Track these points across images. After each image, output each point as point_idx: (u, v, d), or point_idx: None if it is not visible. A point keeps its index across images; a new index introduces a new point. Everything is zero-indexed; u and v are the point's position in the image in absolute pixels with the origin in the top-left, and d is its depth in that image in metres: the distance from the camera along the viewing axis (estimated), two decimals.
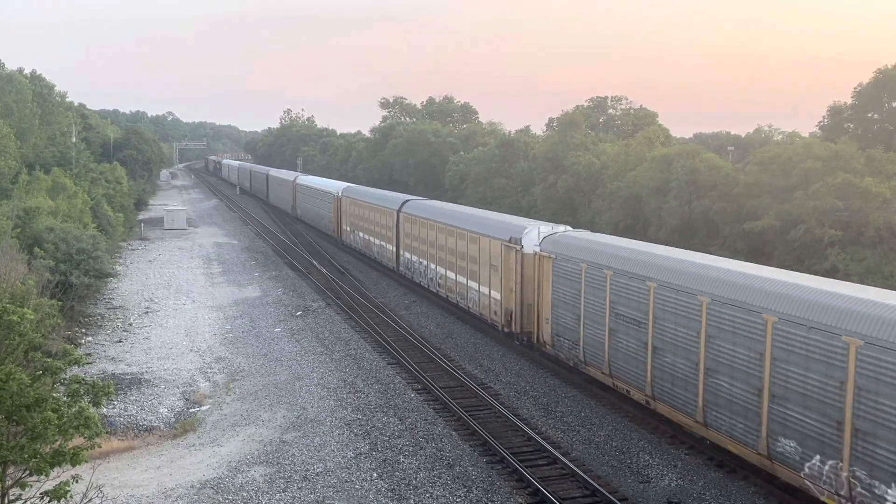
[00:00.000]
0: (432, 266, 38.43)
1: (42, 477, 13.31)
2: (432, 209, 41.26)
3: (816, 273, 29.79)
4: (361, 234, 51.74)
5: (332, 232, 61.67)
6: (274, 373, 28.38)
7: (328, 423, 22.87)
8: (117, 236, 56.92)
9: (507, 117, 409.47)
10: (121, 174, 76.62)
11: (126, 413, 24.83)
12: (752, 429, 17.58)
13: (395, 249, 44.39)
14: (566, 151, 58.19)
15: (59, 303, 28.14)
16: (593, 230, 34.96)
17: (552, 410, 23.88)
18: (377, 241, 48.05)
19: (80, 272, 35.70)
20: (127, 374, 28.78)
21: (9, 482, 13.50)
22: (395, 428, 22.45)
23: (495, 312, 31.10)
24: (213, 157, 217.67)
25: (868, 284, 25.17)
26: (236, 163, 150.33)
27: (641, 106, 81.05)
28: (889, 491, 14.20)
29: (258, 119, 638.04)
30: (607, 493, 17.89)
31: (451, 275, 35.84)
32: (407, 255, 42.55)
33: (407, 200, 44.70)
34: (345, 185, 63.27)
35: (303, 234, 67.40)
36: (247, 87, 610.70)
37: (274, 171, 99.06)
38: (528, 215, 51.60)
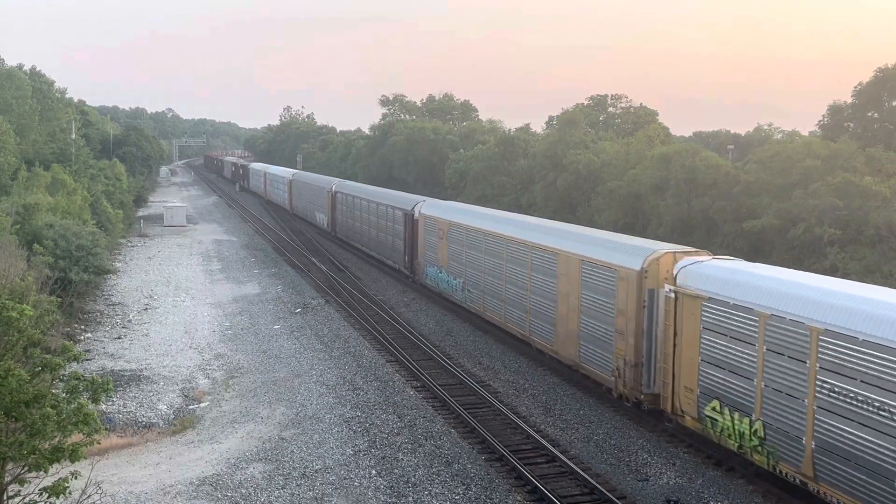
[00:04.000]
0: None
1: (41, 473, 13.31)
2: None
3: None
4: None
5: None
6: (273, 370, 28.37)
7: (327, 421, 22.88)
8: (116, 233, 56.91)
9: (507, 115, 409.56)
10: (120, 171, 76.63)
11: (125, 410, 24.83)
12: None
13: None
14: (566, 150, 58.10)
15: (58, 299, 28.19)
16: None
17: (551, 408, 23.88)
18: None
19: (80, 269, 35.69)
20: (126, 370, 28.78)
21: (7, 478, 13.51)
22: (394, 425, 22.45)
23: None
24: (231, 159, 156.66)
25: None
26: (288, 172, 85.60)
27: (641, 104, 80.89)
28: None
29: (258, 116, 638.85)
30: (606, 491, 17.90)
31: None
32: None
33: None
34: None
35: (302, 232, 67.34)
36: (247, 84, 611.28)
37: (392, 199, 46.90)
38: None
